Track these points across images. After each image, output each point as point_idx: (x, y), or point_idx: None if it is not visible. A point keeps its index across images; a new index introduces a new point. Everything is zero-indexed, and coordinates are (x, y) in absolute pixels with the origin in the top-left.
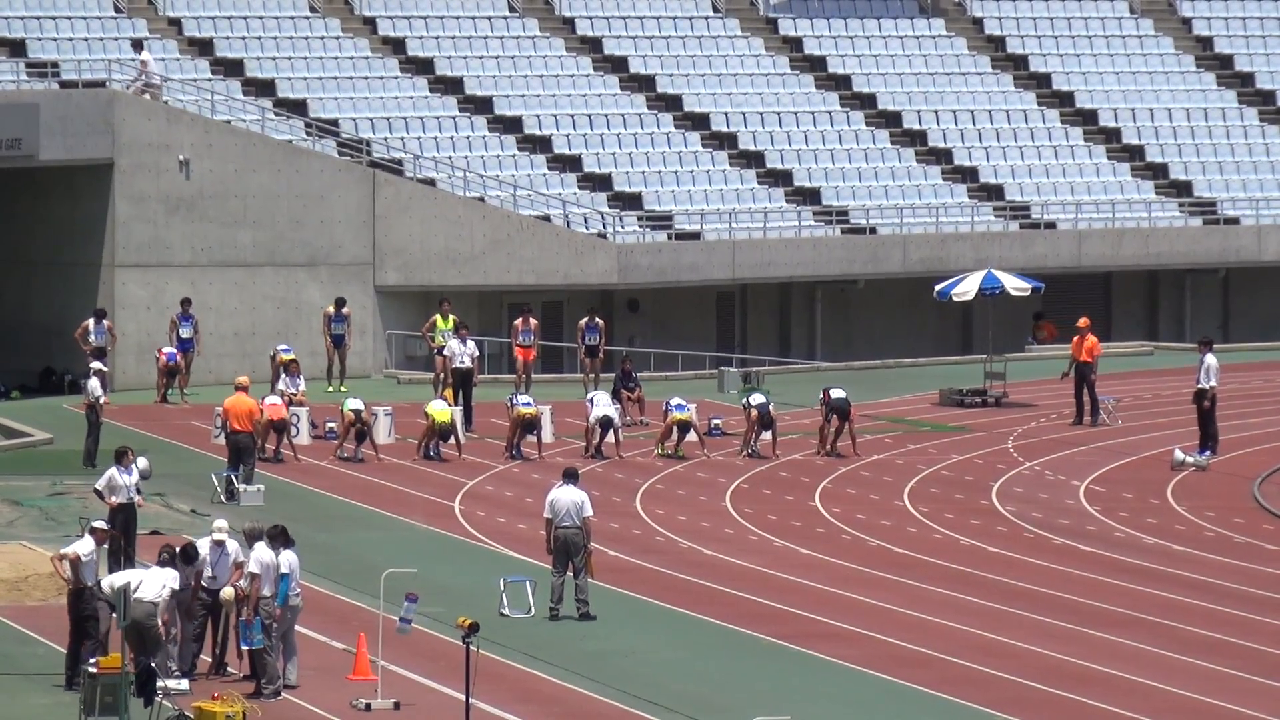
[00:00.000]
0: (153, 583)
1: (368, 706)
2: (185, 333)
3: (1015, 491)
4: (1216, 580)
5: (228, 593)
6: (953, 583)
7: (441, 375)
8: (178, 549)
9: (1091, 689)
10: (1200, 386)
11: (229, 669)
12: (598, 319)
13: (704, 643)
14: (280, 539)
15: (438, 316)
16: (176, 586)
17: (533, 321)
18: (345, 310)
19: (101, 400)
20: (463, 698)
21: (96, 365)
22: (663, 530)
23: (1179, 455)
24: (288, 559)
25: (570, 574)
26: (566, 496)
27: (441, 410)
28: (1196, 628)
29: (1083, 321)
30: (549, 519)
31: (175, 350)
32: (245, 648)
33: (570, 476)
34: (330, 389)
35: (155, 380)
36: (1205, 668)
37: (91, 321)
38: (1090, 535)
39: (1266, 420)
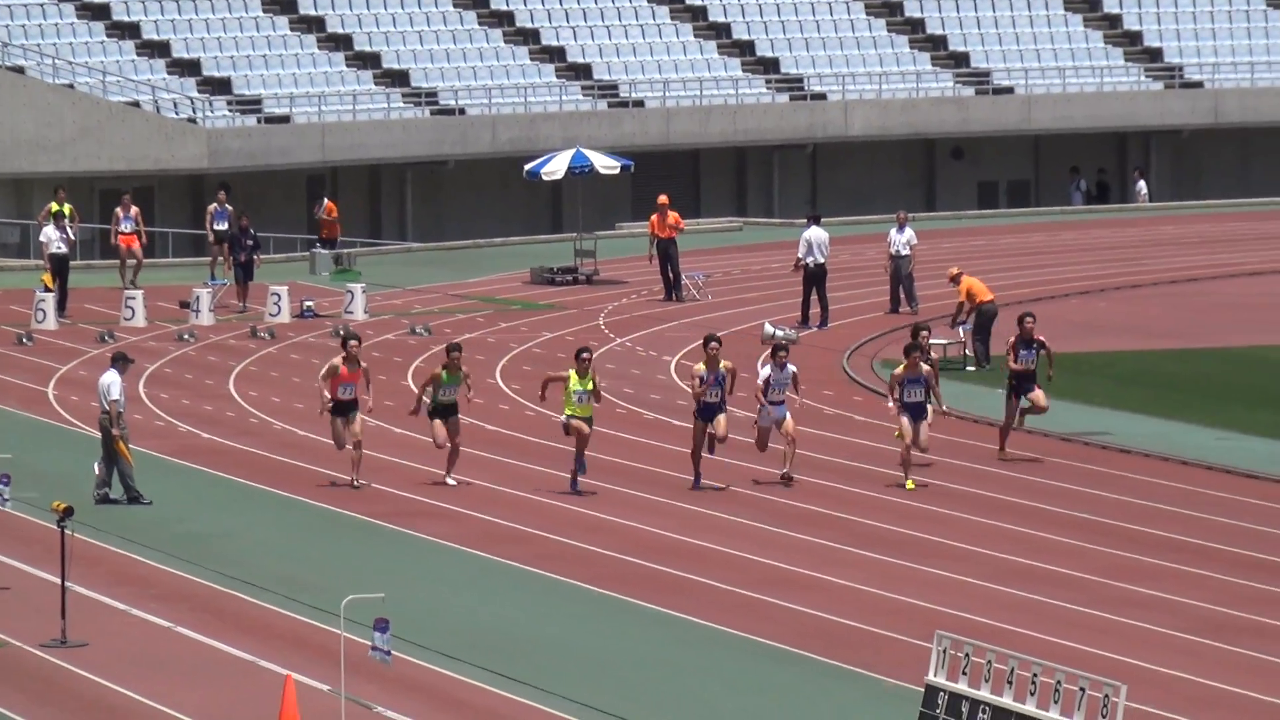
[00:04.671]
0: None
1: None
2: None
3: (608, 368)
4: (807, 453)
5: None
6: (546, 459)
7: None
8: None
9: (687, 562)
10: (801, 259)
11: None
12: (228, 205)
13: (300, 523)
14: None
15: (53, 203)
16: None
17: (134, 209)
18: None
19: None
20: (59, 581)
21: None
22: (257, 412)
23: (769, 329)
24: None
25: None
26: (103, 380)
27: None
28: (788, 499)
29: (662, 199)
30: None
31: None
32: None
33: (114, 360)
34: None
35: None
36: (798, 539)
37: None
38: (681, 410)
39: (855, 294)
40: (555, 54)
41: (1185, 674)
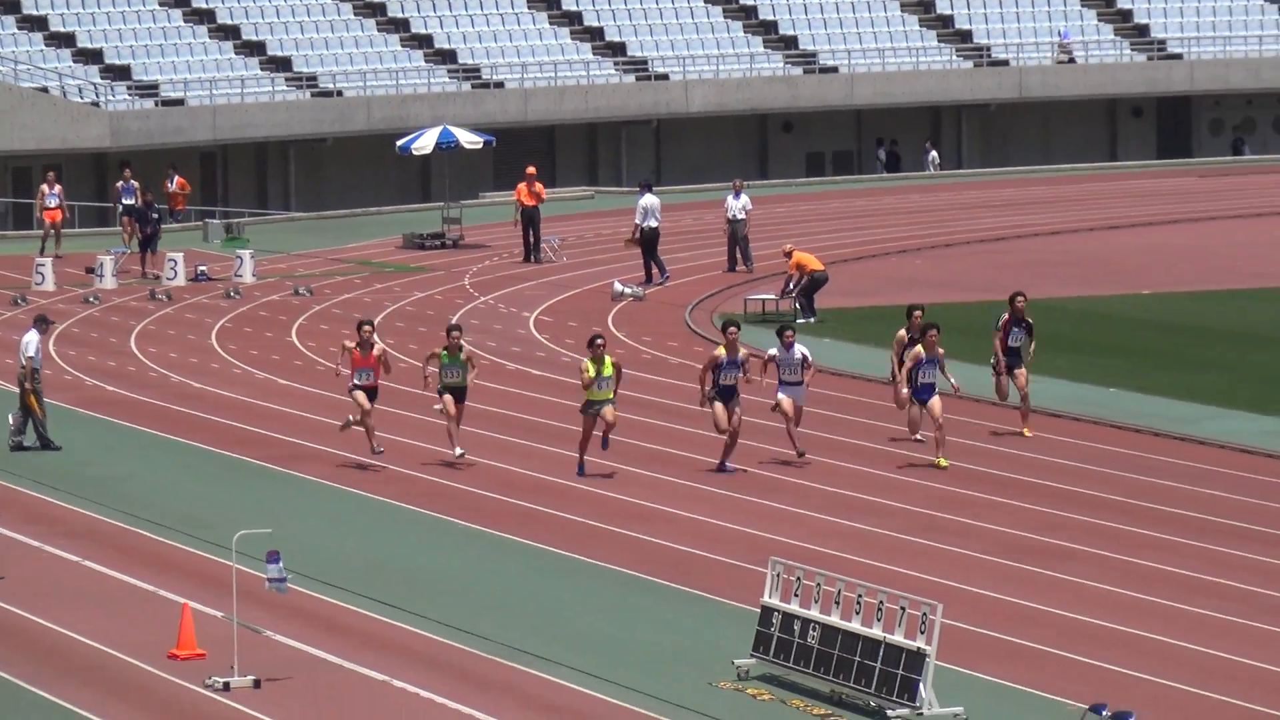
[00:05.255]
0: None
1: None
2: None
3: (473, 323)
4: (652, 398)
5: None
6: (416, 405)
7: None
8: None
9: (548, 498)
10: (639, 224)
11: None
12: (134, 180)
13: (197, 467)
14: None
15: None
16: None
17: (58, 186)
18: None
19: None
20: None
21: None
22: (156, 367)
23: (618, 287)
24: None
25: None
26: (23, 339)
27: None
28: (636, 440)
29: (530, 170)
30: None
31: None
32: None
33: (36, 321)
34: None
35: None
36: (648, 476)
37: None
38: (540, 360)
39: (696, 255)
40: (423, 40)
41: (995, 593)
